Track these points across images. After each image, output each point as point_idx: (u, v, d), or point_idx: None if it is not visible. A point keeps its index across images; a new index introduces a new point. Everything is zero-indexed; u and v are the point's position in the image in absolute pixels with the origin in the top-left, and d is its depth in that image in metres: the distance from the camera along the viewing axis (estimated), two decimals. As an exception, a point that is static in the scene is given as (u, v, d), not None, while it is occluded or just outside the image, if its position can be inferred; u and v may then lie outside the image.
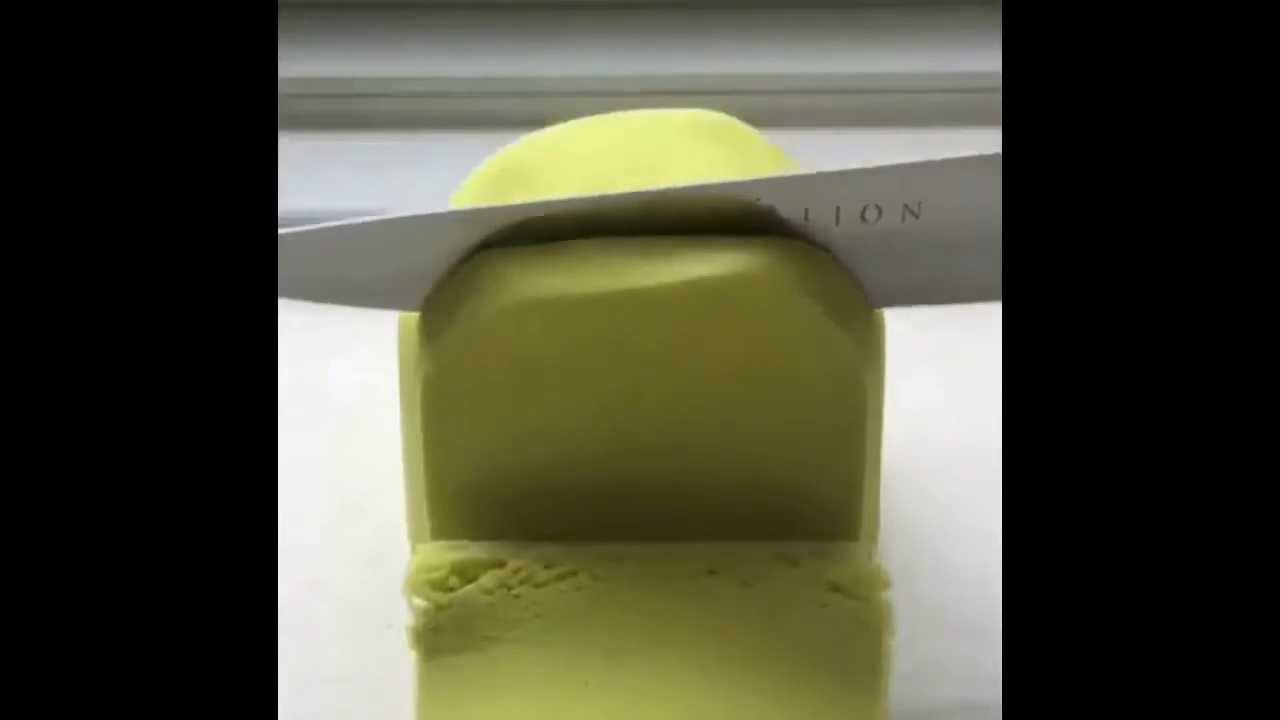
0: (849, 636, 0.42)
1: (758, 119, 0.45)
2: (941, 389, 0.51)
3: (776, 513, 0.43)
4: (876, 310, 0.43)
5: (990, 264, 0.42)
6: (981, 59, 0.60)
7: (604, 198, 0.41)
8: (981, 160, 0.41)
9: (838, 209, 0.41)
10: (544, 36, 0.63)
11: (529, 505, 0.43)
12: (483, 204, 0.42)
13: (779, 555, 0.43)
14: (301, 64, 0.61)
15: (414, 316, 0.42)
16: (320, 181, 0.59)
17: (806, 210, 0.41)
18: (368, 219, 0.41)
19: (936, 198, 0.41)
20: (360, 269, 0.41)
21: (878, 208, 0.41)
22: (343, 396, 0.52)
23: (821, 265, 0.41)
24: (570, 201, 0.41)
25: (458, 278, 0.41)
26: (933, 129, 0.61)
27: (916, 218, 0.41)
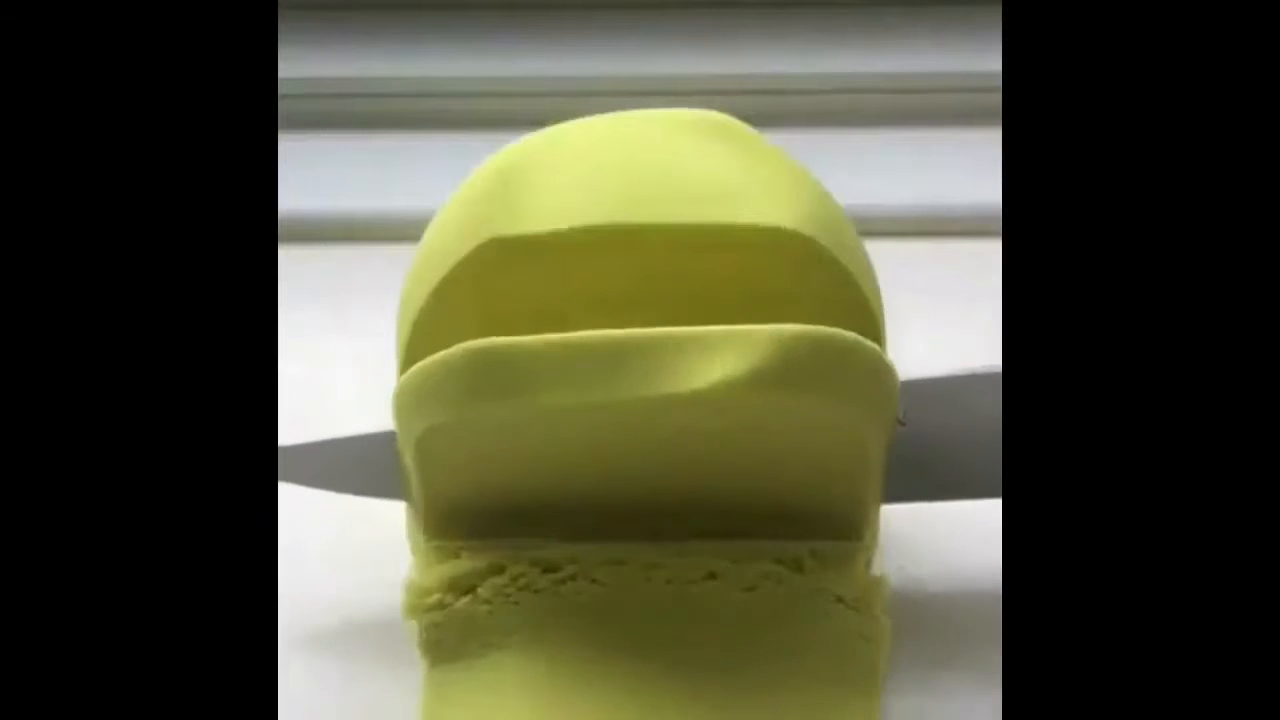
0: (850, 648, 0.42)
1: (758, 119, 0.45)
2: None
3: (780, 517, 0.43)
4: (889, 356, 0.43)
5: (978, 470, 0.43)
6: (981, 59, 0.60)
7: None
8: (968, 379, 0.43)
9: None
10: (544, 36, 0.63)
11: (526, 511, 0.43)
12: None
13: (780, 559, 0.43)
14: (301, 64, 0.61)
15: (413, 314, 0.43)
16: (320, 181, 0.59)
17: None
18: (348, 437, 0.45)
19: (924, 409, 0.43)
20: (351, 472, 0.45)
21: None
22: (343, 394, 0.52)
23: (831, 345, 0.41)
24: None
25: (455, 363, 0.41)
26: (933, 129, 0.61)
27: (903, 425, 0.43)
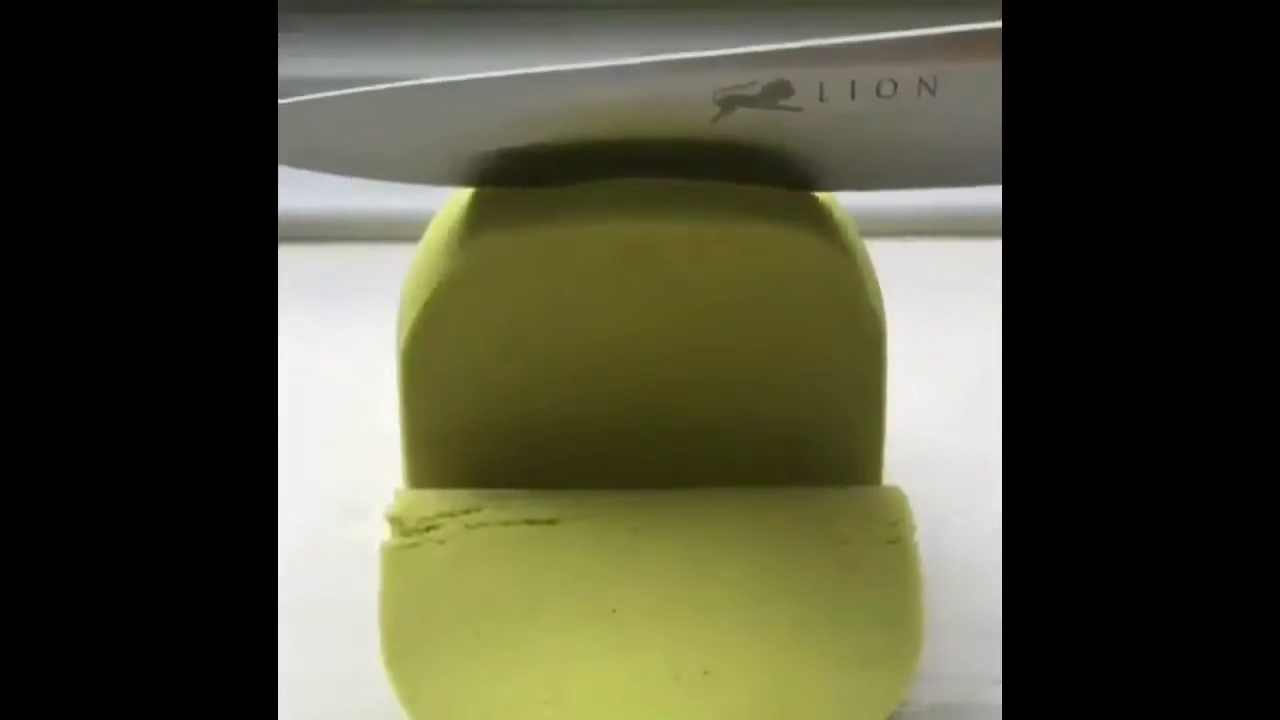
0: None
1: (757, 119, 0.45)
2: (940, 397, 0.51)
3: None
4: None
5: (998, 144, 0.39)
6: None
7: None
8: (999, 34, 0.39)
9: (853, 83, 0.40)
10: (544, 36, 0.63)
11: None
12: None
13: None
14: (301, 64, 0.61)
15: (412, 317, 0.43)
16: (320, 181, 0.59)
17: (822, 86, 0.40)
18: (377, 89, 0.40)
19: (954, 72, 0.39)
20: (371, 139, 0.41)
21: (894, 82, 0.40)
22: (343, 395, 0.52)
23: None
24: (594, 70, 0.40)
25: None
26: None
27: (933, 94, 0.40)
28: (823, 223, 0.42)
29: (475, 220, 0.42)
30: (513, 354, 0.43)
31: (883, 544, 0.43)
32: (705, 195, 0.41)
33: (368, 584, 0.43)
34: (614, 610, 0.41)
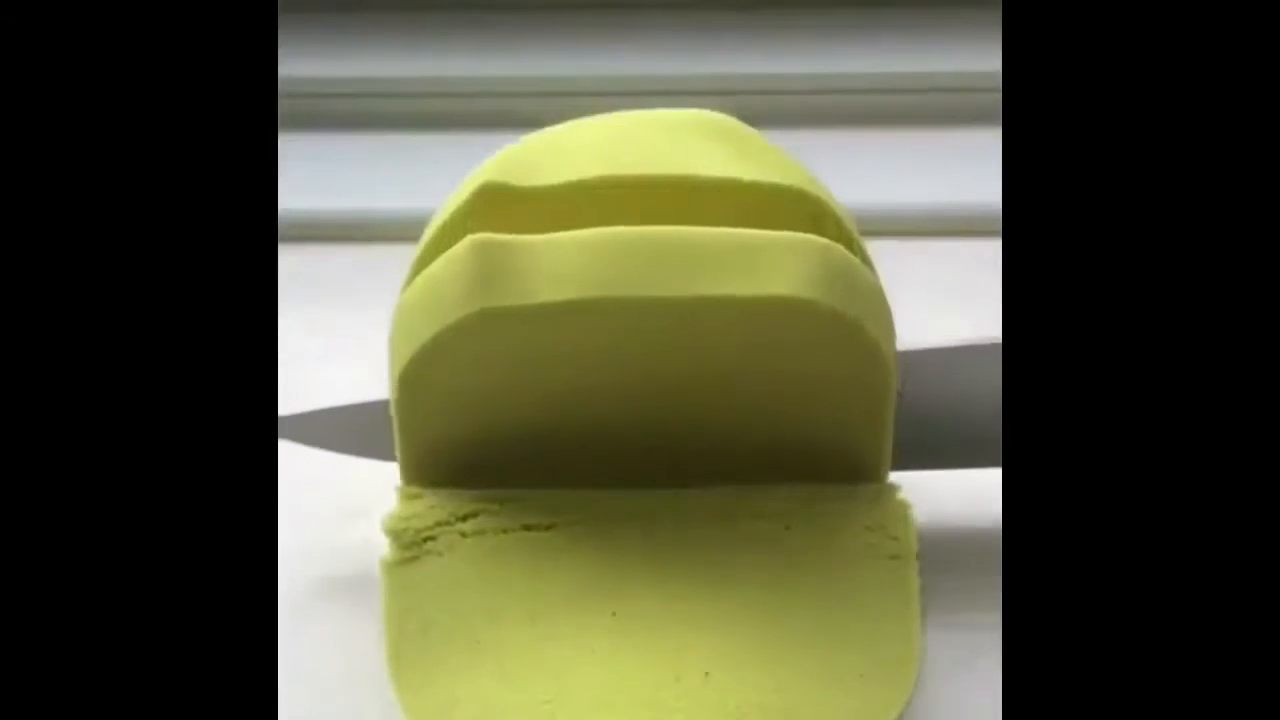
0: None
1: (758, 119, 0.45)
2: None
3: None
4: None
5: (978, 439, 0.44)
6: (981, 59, 0.60)
7: None
8: (961, 349, 0.44)
9: None
10: (544, 36, 0.63)
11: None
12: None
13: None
14: (301, 64, 0.61)
15: (400, 366, 0.42)
16: (320, 181, 0.59)
17: None
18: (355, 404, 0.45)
19: (919, 378, 0.44)
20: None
21: None
22: (342, 395, 0.52)
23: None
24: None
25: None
26: (933, 129, 0.61)
27: (901, 396, 0.43)
28: (828, 264, 0.41)
29: (477, 273, 0.41)
30: (509, 386, 0.42)
31: (886, 559, 0.43)
32: (705, 246, 0.41)
33: (368, 584, 0.43)
34: (614, 614, 0.41)
